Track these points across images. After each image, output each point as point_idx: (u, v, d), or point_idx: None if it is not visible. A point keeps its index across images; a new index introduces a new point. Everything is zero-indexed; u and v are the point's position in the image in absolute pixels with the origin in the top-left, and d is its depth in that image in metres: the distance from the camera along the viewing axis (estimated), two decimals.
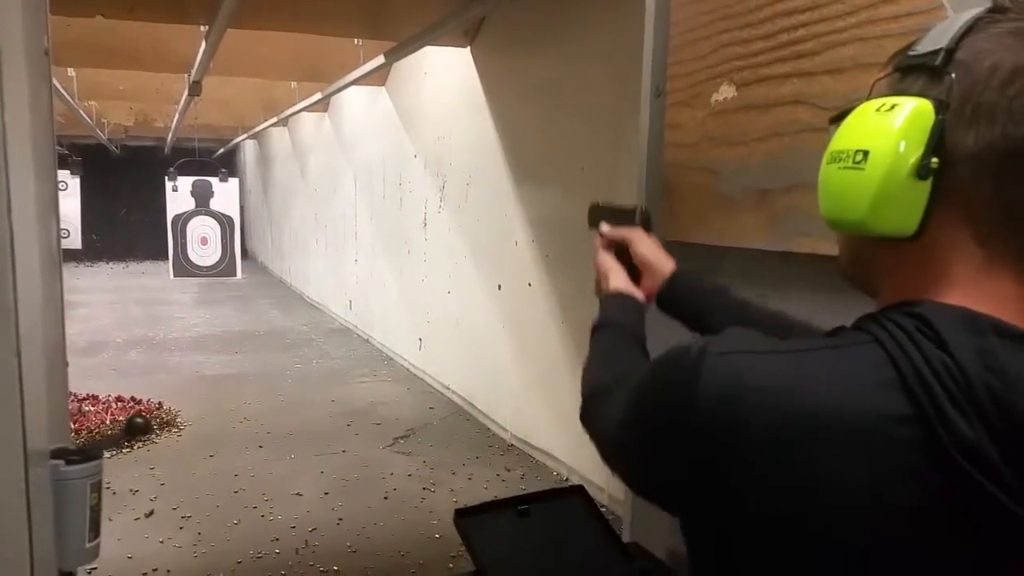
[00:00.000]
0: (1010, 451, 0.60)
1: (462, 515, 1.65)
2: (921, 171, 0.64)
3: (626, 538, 1.89)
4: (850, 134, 0.69)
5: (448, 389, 6.70)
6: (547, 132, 4.81)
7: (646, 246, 1.28)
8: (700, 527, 0.75)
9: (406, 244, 7.63)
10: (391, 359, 8.17)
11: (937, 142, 0.64)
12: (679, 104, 1.55)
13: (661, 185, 1.62)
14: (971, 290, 0.66)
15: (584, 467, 4.55)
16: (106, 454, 5.02)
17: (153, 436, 5.49)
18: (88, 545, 1.09)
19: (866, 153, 0.66)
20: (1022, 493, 0.60)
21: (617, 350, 1.12)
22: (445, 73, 6.41)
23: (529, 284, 5.11)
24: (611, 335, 1.15)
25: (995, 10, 0.65)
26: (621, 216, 1.37)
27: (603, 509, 3.92)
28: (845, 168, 0.68)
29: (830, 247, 1.22)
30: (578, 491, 1.77)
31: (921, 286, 0.68)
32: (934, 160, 0.64)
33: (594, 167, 4.22)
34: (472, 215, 6.07)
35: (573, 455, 4.70)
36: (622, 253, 1.30)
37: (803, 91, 1.23)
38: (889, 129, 0.65)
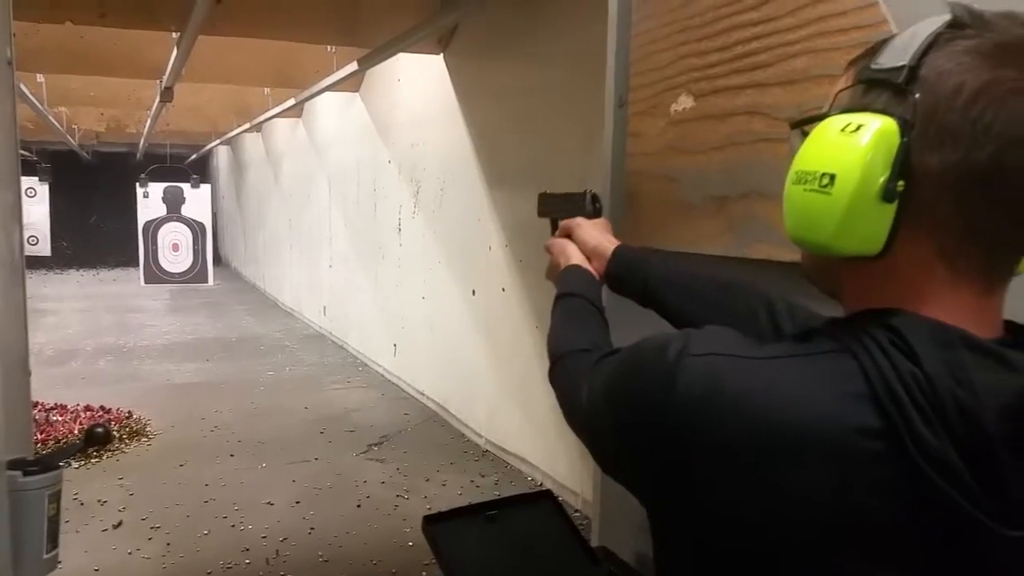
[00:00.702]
0: (977, 463, 0.61)
1: (430, 522, 1.66)
2: (887, 194, 0.65)
3: (594, 542, 1.91)
4: (815, 155, 0.69)
5: (423, 395, 6.69)
6: (520, 138, 4.83)
7: (586, 232, 1.30)
8: (666, 522, 0.77)
9: (380, 250, 7.62)
10: (366, 365, 8.14)
11: (902, 164, 0.64)
12: (641, 114, 1.57)
13: (624, 192, 1.64)
14: (936, 305, 0.67)
15: (559, 472, 4.56)
16: (73, 464, 5.00)
17: (121, 446, 5.43)
18: (46, 556, 1.08)
19: (832, 177, 0.67)
20: (989, 504, 0.61)
21: (585, 317, 1.15)
22: (419, 80, 6.42)
23: (503, 289, 5.12)
24: (575, 303, 1.18)
25: (954, 25, 0.66)
26: (568, 202, 1.40)
27: (577, 514, 3.97)
28: (811, 191, 0.68)
29: (784, 253, 1.25)
30: (546, 496, 1.79)
31: (887, 298, 0.69)
32: (900, 183, 0.65)
33: (567, 172, 4.24)
34: (446, 221, 6.08)
35: (548, 460, 4.71)
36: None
37: (757, 102, 1.26)
38: (855, 153, 0.65)
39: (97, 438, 1.27)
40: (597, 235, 1.30)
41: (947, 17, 0.66)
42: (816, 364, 0.67)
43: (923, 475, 0.61)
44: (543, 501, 1.74)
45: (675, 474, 0.70)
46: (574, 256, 1.29)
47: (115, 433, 5.55)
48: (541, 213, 1.50)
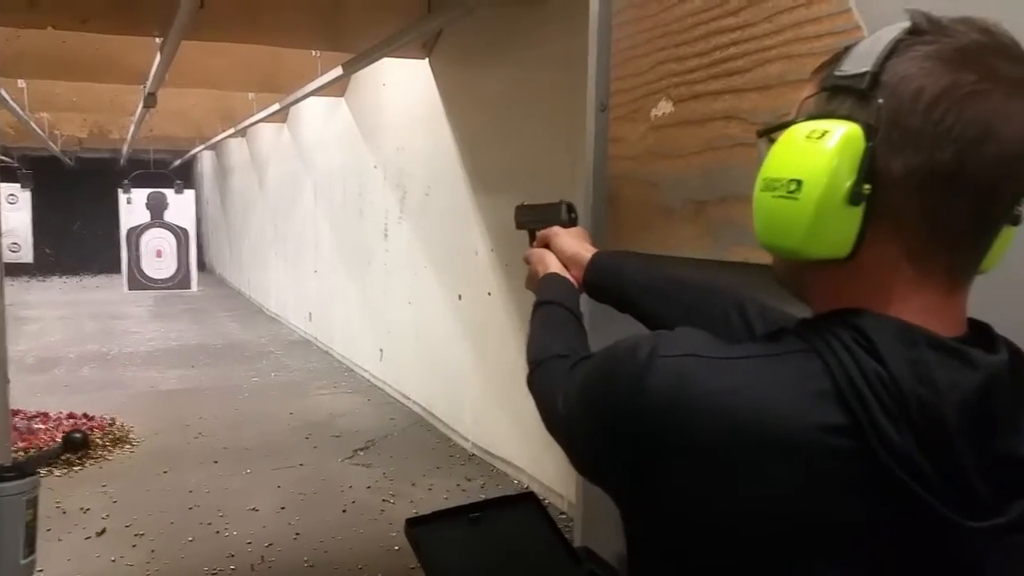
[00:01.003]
0: (939, 460, 0.62)
1: (413, 524, 1.66)
2: (854, 198, 0.66)
3: (577, 543, 1.92)
4: (782, 162, 0.70)
5: (409, 399, 6.68)
6: (506, 142, 4.85)
7: (563, 241, 1.32)
8: (638, 525, 0.78)
9: (366, 255, 7.61)
10: (351, 370, 8.12)
11: (868, 168, 0.65)
12: (621, 119, 1.58)
13: (606, 196, 1.66)
14: (903, 305, 0.68)
15: (545, 475, 4.57)
16: (56, 472, 4.96)
17: (105, 454, 5.39)
18: (23, 561, 1.07)
19: (799, 183, 0.67)
20: (952, 497, 0.62)
21: (563, 324, 1.17)
22: (404, 84, 6.42)
23: (489, 293, 5.13)
24: (554, 311, 1.19)
25: (913, 31, 0.67)
26: (545, 212, 1.41)
27: (563, 516, 3.97)
28: (779, 197, 0.69)
29: (762, 256, 1.25)
30: (529, 498, 1.79)
31: (855, 299, 0.70)
32: (866, 186, 0.66)
33: (552, 176, 4.25)
34: (432, 225, 6.08)
35: (534, 463, 4.72)
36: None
37: (735, 107, 1.28)
38: (821, 158, 0.66)
39: (75, 443, 1.27)
40: (574, 243, 1.31)
41: (906, 24, 0.68)
42: (783, 364, 0.69)
43: (887, 471, 0.62)
44: (526, 503, 1.74)
45: (646, 474, 0.71)
46: (552, 265, 1.30)
47: (97, 440, 5.51)
48: (519, 225, 1.52)
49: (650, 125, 1.49)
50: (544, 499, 4.42)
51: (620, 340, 0.79)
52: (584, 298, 1.27)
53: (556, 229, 1.35)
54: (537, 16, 4.38)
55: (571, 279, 1.27)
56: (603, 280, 1.25)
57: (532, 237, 1.44)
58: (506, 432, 5.04)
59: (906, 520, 0.63)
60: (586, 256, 1.28)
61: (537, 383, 1.05)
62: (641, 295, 1.20)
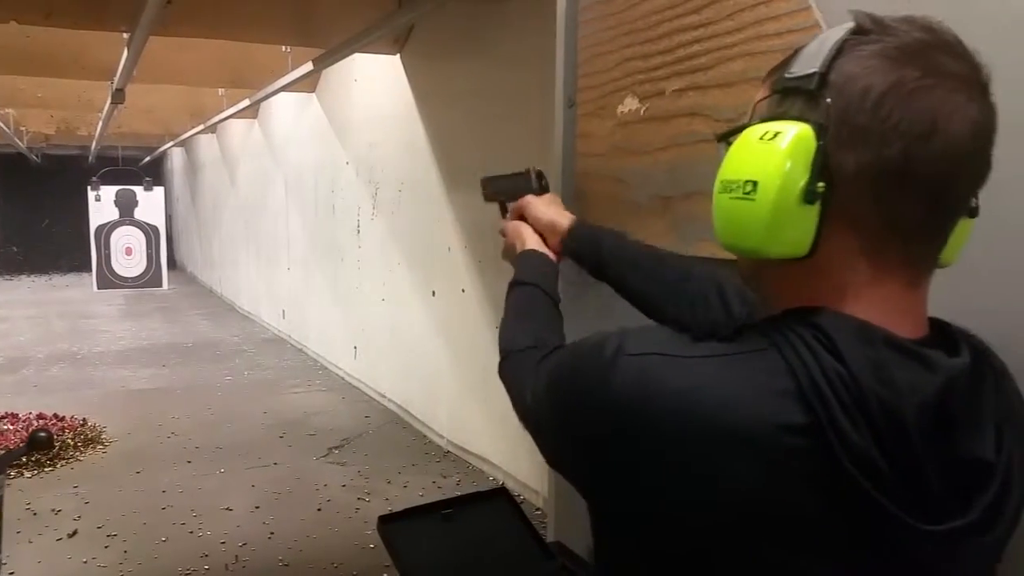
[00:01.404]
0: (898, 460, 0.63)
1: (385, 521, 1.66)
2: (808, 196, 0.67)
3: (550, 537, 1.93)
4: (738, 163, 0.71)
5: (384, 397, 6.67)
6: (477, 138, 4.84)
7: (538, 209, 1.31)
8: (604, 520, 0.79)
9: (339, 252, 7.57)
10: (326, 368, 8.08)
11: (820, 167, 0.66)
12: (589, 115, 1.60)
13: (574, 192, 1.67)
14: (863, 300, 0.69)
15: (520, 471, 4.58)
16: (26, 474, 4.89)
17: (76, 454, 5.32)
18: None
19: (755, 183, 0.69)
20: (909, 499, 0.63)
21: (535, 309, 1.16)
22: (375, 80, 6.39)
23: (463, 290, 5.13)
24: (528, 293, 1.19)
25: (858, 31, 0.68)
26: (514, 181, 1.39)
27: (539, 512, 3.99)
28: (736, 199, 0.70)
29: (728, 252, 1.28)
30: (501, 493, 1.80)
31: (815, 296, 0.71)
32: (819, 184, 0.67)
33: None
34: (405, 222, 6.06)
35: (509, 460, 4.73)
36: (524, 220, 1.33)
37: (699, 103, 1.29)
38: (774, 159, 0.67)
39: (40, 443, 1.25)
40: (549, 211, 1.30)
41: (851, 25, 0.69)
42: (745, 362, 0.69)
43: (845, 471, 0.62)
44: (498, 498, 1.75)
45: (610, 471, 0.72)
46: (530, 240, 1.29)
47: (69, 441, 5.44)
48: (488, 197, 1.48)
49: (617, 121, 1.50)
50: (519, 495, 4.44)
51: (586, 337, 0.80)
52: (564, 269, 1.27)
53: (529, 198, 1.33)
54: (508, 12, 4.39)
55: (550, 254, 1.27)
56: (582, 247, 1.25)
57: (503, 209, 1.42)
58: (481, 429, 5.05)
59: (861, 520, 0.64)
60: (564, 224, 1.27)
61: (507, 373, 1.05)
62: (621, 268, 1.21)
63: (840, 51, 0.68)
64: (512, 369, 1.04)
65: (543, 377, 0.87)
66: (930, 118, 0.65)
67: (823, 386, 0.64)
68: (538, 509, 4.12)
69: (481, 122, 4.80)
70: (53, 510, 4.40)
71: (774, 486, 0.65)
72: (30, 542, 3.97)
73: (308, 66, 5.74)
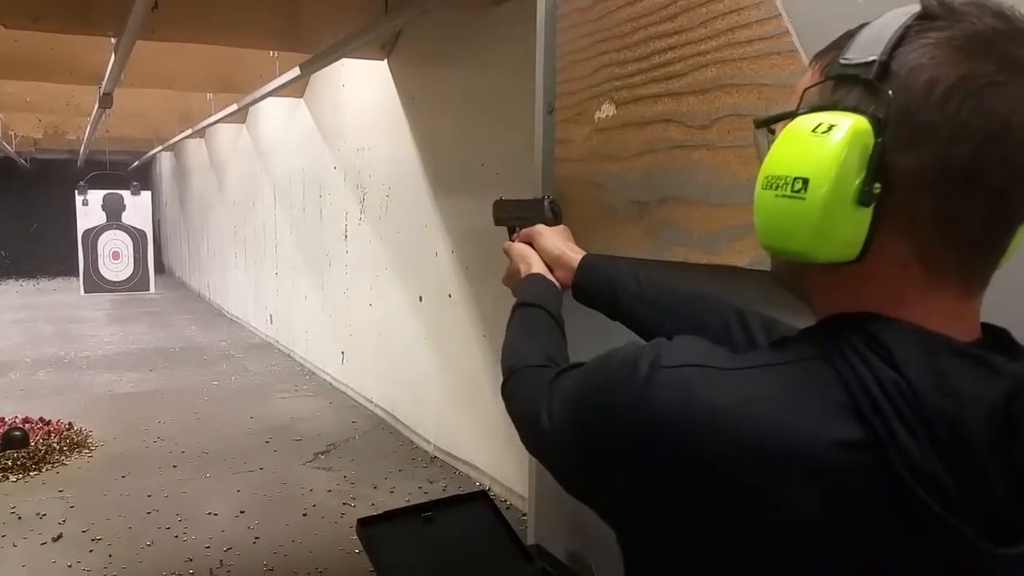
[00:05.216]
0: (963, 476, 0.58)
1: (365, 524, 1.67)
2: (863, 198, 0.61)
3: (530, 540, 1.94)
4: (786, 158, 0.65)
5: (371, 402, 6.66)
6: (465, 143, 4.86)
7: (549, 240, 1.27)
8: (638, 545, 0.73)
9: (327, 257, 7.57)
10: (313, 373, 8.07)
11: (877, 165, 0.61)
12: (568, 121, 1.61)
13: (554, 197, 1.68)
14: (915, 308, 0.64)
15: (507, 476, 4.59)
16: (11, 478, 4.86)
17: (62, 458, 5.30)
18: None
19: (805, 181, 0.63)
20: (975, 518, 0.58)
21: (542, 329, 1.11)
22: (363, 85, 6.41)
23: (450, 295, 5.14)
24: (534, 314, 1.14)
25: (924, 16, 0.62)
26: (526, 208, 1.37)
27: (524, 517, 3.98)
28: (783, 196, 0.64)
29: (701, 256, 1.30)
30: (481, 496, 1.82)
31: (862, 303, 0.66)
32: (876, 185, 0.61)
33: (511, 177, 4.28)
34: (393, 227, 6.07)
35: (496, 465, 4.73)
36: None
37: (673, 110, 1.31)
38: (828, 155, 0.61)
39: (15, 441, 1.25)
40: (560, 244, 1.26)
41: (916, 8, 0.63)
42: (792, 373, 0.65)
43: (909, 491, 0.58)
44: (478, 501, 1.77)
45: (648, 492, 0.67)
46: (535, 264, 1.25)
47: (55, 445, 5.41)
48: (498, 221, 1.45)
49: (594, 127, 1.52)
50: (506, 500, 4.45)
51: (613, 351, 0.75)
52: (567, 302, 1.23)
53: (540, 228, 1.30)
54: (494, 18, 4.41)
55: (555, 281, 1.23)
56: (594, 285, 1.20)
57: (512, 232, 1.39)
58: (468, 434, 5.05)
59: (927, 542, 0.59)
60: (574, 258, 1.23)
61: (512, 393, 0.98)
62: (634, 302, 1.15)
63: (903, 38, 0.62)
64: (520, 388, 0.97)
65: (562, 397, 0.80)
66: (1002, 118, 0.59)
67: (880, 398, 0.59)
68: (524, 514, 4.12)
69: (468, 127, 4.82)
70: (38, 514, 4.37)
71: (829, 507, 0.60)
72: (15, 546, 3.95)
73: (296, 71, 5.74)
